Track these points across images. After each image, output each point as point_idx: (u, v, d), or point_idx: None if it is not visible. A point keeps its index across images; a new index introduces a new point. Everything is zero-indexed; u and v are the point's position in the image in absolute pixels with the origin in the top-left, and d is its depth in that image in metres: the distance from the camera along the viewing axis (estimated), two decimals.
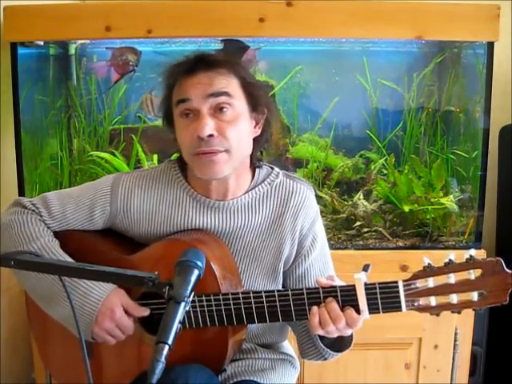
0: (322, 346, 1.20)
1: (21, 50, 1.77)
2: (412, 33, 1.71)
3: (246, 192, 1.25)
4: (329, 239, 1.94)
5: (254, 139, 1.22)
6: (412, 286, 1.05)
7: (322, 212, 1.97)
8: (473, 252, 1.03)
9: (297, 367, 1.38)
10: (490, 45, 1.75)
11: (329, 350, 1.21)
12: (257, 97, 1.20)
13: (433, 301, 1.05)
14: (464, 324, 1.84)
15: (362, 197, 2.00)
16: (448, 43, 1.94)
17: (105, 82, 1.98)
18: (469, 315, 1.84)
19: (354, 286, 1.07)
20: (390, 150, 2.01)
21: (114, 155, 1.97)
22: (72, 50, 1.99)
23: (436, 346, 1.85)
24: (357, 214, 1.97)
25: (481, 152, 1.84)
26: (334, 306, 1.07)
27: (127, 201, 1.24)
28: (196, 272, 0.90)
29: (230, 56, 1.21)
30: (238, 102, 1.16)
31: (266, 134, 1.25)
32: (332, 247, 1.89)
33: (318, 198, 1.98)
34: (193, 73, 1.15)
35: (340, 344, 1.20)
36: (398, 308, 1.06)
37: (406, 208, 1.94)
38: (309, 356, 1.26)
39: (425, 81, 1.99)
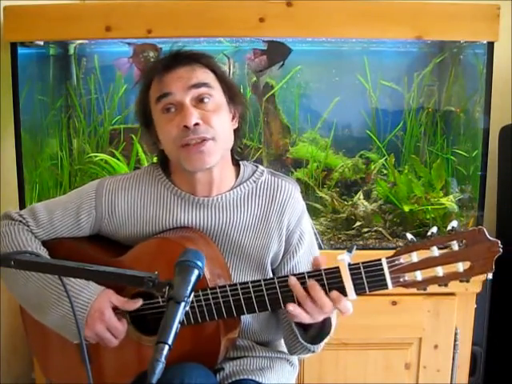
0: (306, 344, 1.19)
1: (21, 50, 1.77)
2: (412, 33, 1.71)
3: (231, 189, 1.25)
4: (329, 239, 1.96)
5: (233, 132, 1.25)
6: (396, 262, 1.04)
7: (322, 212, 1.99)
8: (455, 223, 1.03)
9: (295, 366, 1.38)
10: (490, 45, 1.75)
11: (312, 346, 1.20)
12: (232, 89, 1.24)
13: (419, 275, 1.04)
14: (464, 324, 1.84)
15: (362, 197, 2.00)
16: (448, 43, 1.94)
17: (105, 81, 1.98)
18: (469, 315, 1.83)
19: (338, 267, 1.07)
20: (390, 150, 2.00)
21: (114, 155, 1.97)
22: (72, 50, 1.98)
23: (436, 346, 1.85)
24: (357, 214, 1.97)
25: (481, 152, 1.83)
26: (317, 288, 1.07)
27: (112, 203, 1.25)
28: (196, 272, 0.90)
29: (204, 51, 1.25)
30: (217, 93, 1.20)
31: (242, 127, 1.28)
32: (332, 247, 1.90)
33: (318, 198, 2.00)
34: (172, 68, 1.18)
35: (322, 335, 1.19)
36: (384, 286, 1.06)
37: (406, 208, 1.93)
38: (296, 351, 1.26)
39: (425, 81, 1.99)
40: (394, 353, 1.86)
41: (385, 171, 2.03)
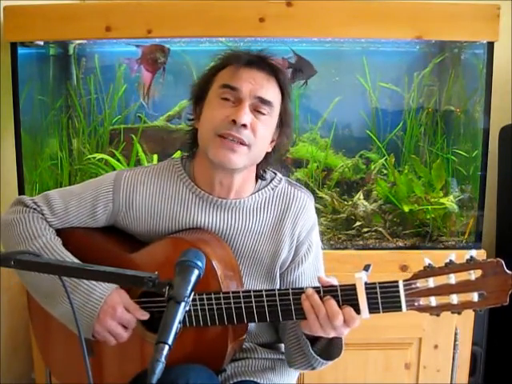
0: (312, 352, 1.18)
1: (21, 50, 1.77)
2: (412, 33, 1.71)
3: (250, 195, 1.26)
4: (329, 239, 1.96)
5: (266, 153, 1.25)
6: (412, 286, 1.05)
7: (321, 212, 1.99)
8: (474, 253, 1.03)
9: None
10: (490, 45, 1.75)
11: (319, 358, 1.19)
12: (287, 116, 1.24)
13: (433, 301, 1.05)
14: (464, 324, 1.84)
15: (362, 197, 2.00)
16: (448, 43, 1.94)
17: (105, 81, 1.98)
18: (469, 315, 1.83)
19: (354, 285, 1.07)
20: (390, 150, 2.00)
21: (114, 155, 1.97)
22: (71, 50, 1.99)
23: (436, 346, 1.85)
24: (357, 214, 1.97)
25: (481, 152, 1.84)
26: (332, 302, 1.07)
27: (129, 197, 1.24)
28: (196, 272, 0.90)
29: (285, 71, 1.26)
30: (274, 113, 1.21)
31: (275, 153, 1.28)
32: (332, 247, 1.90)
33: (318, 198, 2.00)
34: (252, 66, 1.18)
35: (330, 352, 1.19)
36: (399, 308, 1.06)
37: (406, 208, 1.93)
38: (296, 364, 1.24)
39: (425, 81, 1.99)
40: (393, 353, 1.86)
41: (385, 171, 2.03)
